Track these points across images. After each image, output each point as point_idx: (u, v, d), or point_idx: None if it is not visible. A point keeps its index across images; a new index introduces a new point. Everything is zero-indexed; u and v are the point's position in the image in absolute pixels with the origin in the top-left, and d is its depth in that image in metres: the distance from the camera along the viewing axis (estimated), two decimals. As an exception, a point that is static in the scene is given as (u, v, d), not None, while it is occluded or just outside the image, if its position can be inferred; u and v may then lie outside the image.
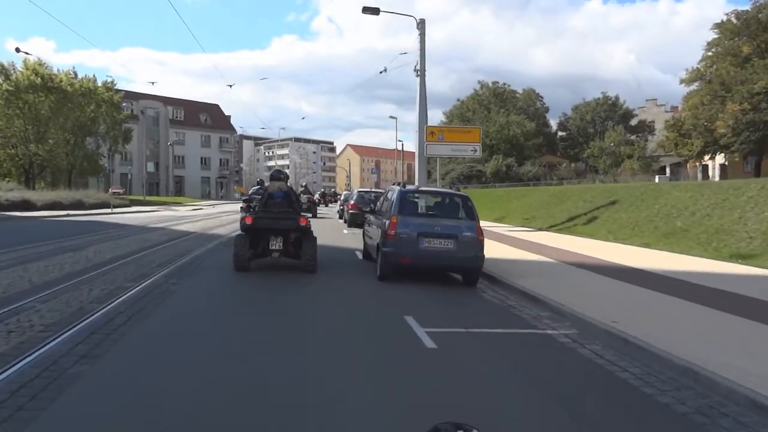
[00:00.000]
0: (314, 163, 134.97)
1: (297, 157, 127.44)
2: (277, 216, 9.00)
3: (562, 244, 13.49)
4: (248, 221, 9.01)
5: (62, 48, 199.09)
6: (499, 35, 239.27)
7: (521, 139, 53.31)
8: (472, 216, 8.63)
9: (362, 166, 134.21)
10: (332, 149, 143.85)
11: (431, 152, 18.55)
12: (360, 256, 11.61)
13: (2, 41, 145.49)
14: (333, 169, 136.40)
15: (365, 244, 10.96)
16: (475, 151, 18.73)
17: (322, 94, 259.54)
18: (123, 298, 6.63)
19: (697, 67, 44.88)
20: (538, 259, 11.04)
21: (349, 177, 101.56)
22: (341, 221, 24.25)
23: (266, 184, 12.51)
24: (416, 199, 9.01)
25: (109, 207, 33.22)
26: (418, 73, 20.32)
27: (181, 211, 35.43)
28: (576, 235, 15.83)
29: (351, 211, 19.91)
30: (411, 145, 55.01)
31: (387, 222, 8.43)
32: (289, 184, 10.35)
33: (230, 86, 28.66)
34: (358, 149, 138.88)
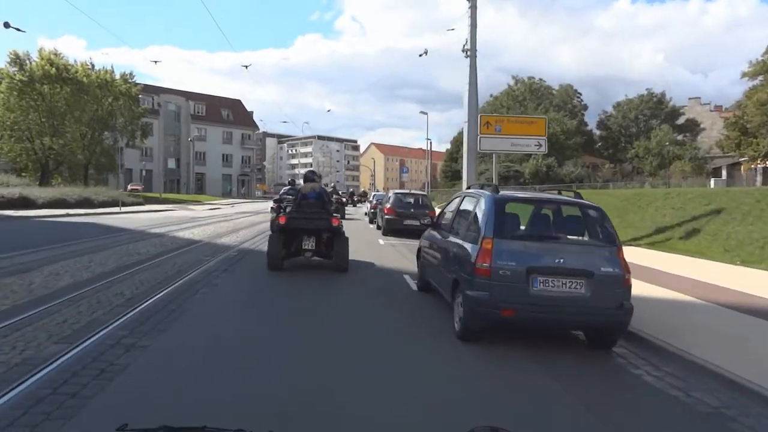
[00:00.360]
0: (337, 161, 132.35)
1: (320, 155, 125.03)
2: (310, 216, 9.12)
3: (677, 269, 10.13)
4: (282, 221, 9.16)
5: (92, 46, 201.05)
6: (523, 34, 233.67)
7: (561, 138, 49.50)
8: (611, 238, 5.39)
9: (386, 165, 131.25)
10: (356, 147, 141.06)
11: (486, 147, 15.28)
12: (412, 284, 8.44)
13: (34, 39, 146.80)
14: (357, 168, 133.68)
15: (422, 268, 7.78)
16: (540, 145, 15.39)
17: (345, 92, 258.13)
18: (18, 390, 3.60)
19: (762, 60, 40.50)
20: (670, 296, 7.73)
21: (373, 176, 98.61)
22: (372, 226, 21.15)
23: (297, 184, 12.55)
24: (518, 212, 5.76)
25: (117, 205, 30.77)
26: (468, 53, 17.10)
27: (197, 210, 32.82)
28: (678, 252, 12.40)
29: (387, 217, 16.74)
30: (436, 144, 51.01)
31: (474, 248, 5.24)
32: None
33: (246, 67, 26.25)
34: (382, 148, 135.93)
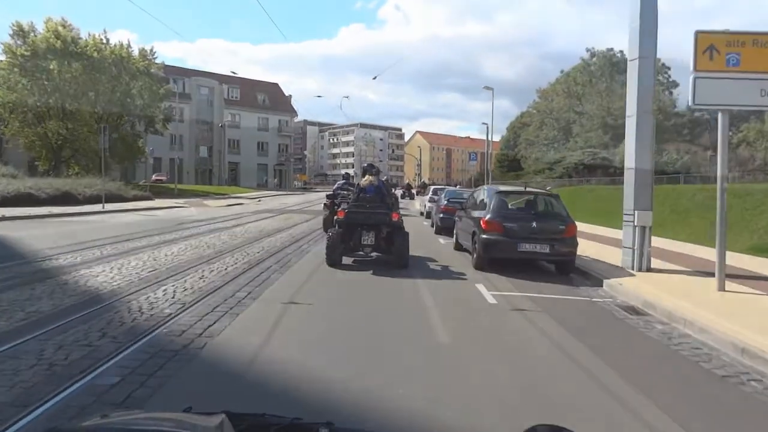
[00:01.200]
0: (380, 150, 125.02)
1: (363, 144, 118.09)
2: (369, 211, 8.98)
3: None
4: (341, 215, 9.06)
5: (144, 40, 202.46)
6: (570, 20, 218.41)
7: (659, 118, 40.34)
8: None
9: (432, 155, 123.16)
10: (400, 136, 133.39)
11: (707, 98, 7.32)
12: None
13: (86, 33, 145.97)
14: (401, 158, 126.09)
15: None
16: (822, 96, 7.52)
17: (387, 82, 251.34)
18: None
19: None
20: None
21: (419, 165, 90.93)
22: (443, 241, 13.66)
23: (351, 177, 12.79)
24: None
25: (114, 201, 24.56)
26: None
27: (209, 207, 26.24)
28: None
29: (486, 236, 8.73)
30: (482, 133, 42.65)
31: None
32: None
33: (279, 36, 21.15)
34: (427, 136, 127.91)
